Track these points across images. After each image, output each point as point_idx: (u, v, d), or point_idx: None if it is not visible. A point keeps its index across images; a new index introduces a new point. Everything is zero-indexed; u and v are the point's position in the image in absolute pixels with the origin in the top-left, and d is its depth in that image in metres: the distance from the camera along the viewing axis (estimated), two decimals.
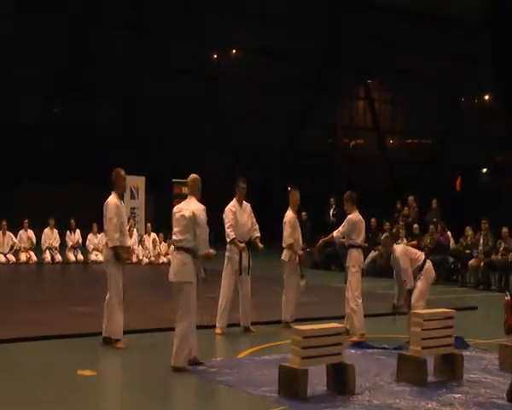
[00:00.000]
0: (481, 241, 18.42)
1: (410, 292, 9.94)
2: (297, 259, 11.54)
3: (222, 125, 35.06)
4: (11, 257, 20.94)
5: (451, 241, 19.78)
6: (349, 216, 10.89)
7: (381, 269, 19.32)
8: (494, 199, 34.12)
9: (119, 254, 9.50)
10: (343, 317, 10.85)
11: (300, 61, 36.58)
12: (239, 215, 11.03)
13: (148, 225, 22.63)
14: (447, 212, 22.04)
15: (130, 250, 9.81)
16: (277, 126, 36.70)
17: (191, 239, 8.41)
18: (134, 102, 32.51)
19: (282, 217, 11.59)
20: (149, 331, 10.53)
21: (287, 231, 11.50)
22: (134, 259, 20.57)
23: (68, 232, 21.81)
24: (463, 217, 21.83)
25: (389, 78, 39.93)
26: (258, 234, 11.23)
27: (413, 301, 9.84)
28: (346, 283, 10.86)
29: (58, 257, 21.59)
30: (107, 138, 31.28)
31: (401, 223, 19.86)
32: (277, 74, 35.70)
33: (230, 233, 10.97)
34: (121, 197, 9.90)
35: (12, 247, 21.05)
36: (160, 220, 22.46)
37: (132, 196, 23.44)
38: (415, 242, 19.60)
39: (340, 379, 7.62)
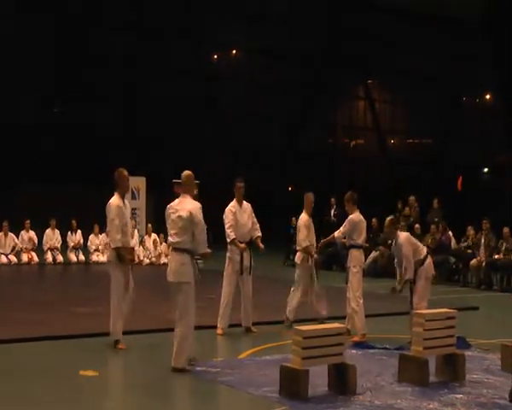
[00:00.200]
0: (483, 241, 18.39)
1: (410, 282, 9.89)
2: (311, 261, 11.50)
3: (222, 125, 35.06)
4: (13, 258, 20.95)
5: (453, 241, 19.74)
6: (350, 216, 10.88)
7: (382, 269, 19.33)
8: (495, 199, 34.11)
9: (122, 255, 9.47)
10: (344, 317, 10.84)
11: (300, 61, 36.60)
12: (239, 215, 11.00)
13: (149, 225, 22.62)
14: (448, 212, 22.01)
15: (133, 251, 9.77)
16: (277, 126, 36.71)
17: (189, 240, 8.34)
18: (134, 102, 32.53)
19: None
20: (150, 332, 10.51)
21: (301, 234, 11.46)
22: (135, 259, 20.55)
23: (69, 233, 21.81)
24: (464, 217, 21.80)
25: (389, 78, 39.95)
26: (259, 234, 11.19)
27: (415, 302, 9.79)
28: (347, 283, 10.85)
29: (59, 258, 21.59)
30: (107, 138, 31.29)
31: (402, 223, 19.81)
32: (277, 74, 35.71)
33: (230, 234, 10.94)
34: (124, 198, 9.82)
35: (14, 248, 21.06)
36: (160, 221, 22.39)
37: (133, 197, 23.41)
38: None
39: (342, 379, 7.61)
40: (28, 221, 21.41)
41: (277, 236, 21.28)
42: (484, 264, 18.19)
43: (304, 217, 11.53)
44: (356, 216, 10.85)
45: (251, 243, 11.13)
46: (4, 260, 20.71)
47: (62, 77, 30.95)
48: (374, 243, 19.89)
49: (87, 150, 30.81)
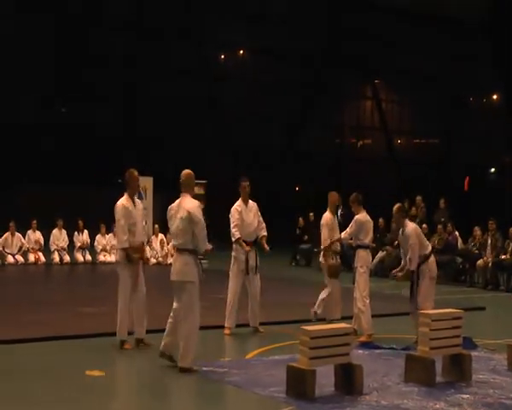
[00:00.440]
0: (489, 241, 18.37)
1: (412, 283, 9.88)
2: (335, 260, 11.47)
3: (222, 125, 35.05)
4: (20, 258, 21.00)
5: (459, 241, 19.72)
6: (356, 216, 10.89)
7: (389, 269, 19.27)
8: (501, 199, 34.16)
9: (130, 255, 9.48)
10: (351, 317, 10.86)
11: (300, 61, 36.58)
12: (245, 214, 10.99)
13: (156, 226, 22.65)
14: (455, 212, 22.00)
15: (142, 248, 9.76)
16: (277, 126, 36.70)
17: (190, 240, 8.35)
18: (134, 102, 32.49)
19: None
20: (156, 332, 10.47)
21: (323, 234, 11.42)
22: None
23: (76, 233, 21.86)
24: (471, 217, 21.79)
25: (396, 78, 39.96)
26: (265, 233, 11.17)
27: (420, 303, 9.76)
28: (353, 283, 10.86)
29: (66, 258, 21.65)
30: (107, 138, 31.26)
31: None
32: (277, 74, 35.69)
33: (236, 233, 10.94)
34: (134, 198, 9.84)
35: (20, 248, 21.11)
36: (165, 221, 22.44)
37: (140, 197, 23.46)
38: None
39: (348, 380, 7.61)
40: (35, 221, 21.48)
41: (281, 235, 21.31)
42: (490, 264, 18.17)
43: (327, 216, 11.49)
44: (362, 216, 10.86)
45: (257, 243, 11.12)
46: (11, 260, 20.80)
47: (62, 77, 30.91)
48: (381, 244, 19.87)
49: (87, 150, 30.79)
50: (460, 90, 39.61)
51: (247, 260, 10.88)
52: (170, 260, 21.07)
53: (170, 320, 8.61)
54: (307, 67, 37.21)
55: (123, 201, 9.66)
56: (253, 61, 37.18)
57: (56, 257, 21.49)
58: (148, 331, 9.73)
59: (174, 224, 8.47)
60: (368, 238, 10.85)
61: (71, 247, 21.95)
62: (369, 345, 10.03)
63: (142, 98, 32.39)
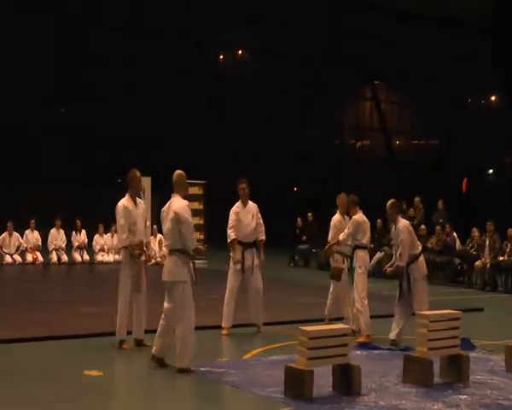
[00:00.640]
0: (487, 242, 18.37)
1: (401, 282, 9.91)
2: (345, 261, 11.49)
3: (222, 125, 35.08)
4: (17, 258, 21.03)
5: (458, 242, 19.71)
6: (353, 217, 10.91)
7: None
8: (500, 200, 34.16)
9: (131, 251, 9.54)
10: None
11: (300, 61, 36.59)
12: (242, 216, 10.99)
13: (154, 226, 22.66)
14: (453, 213, 21.99)
15: (141, 244, 9.77)
16: (277, 126, 36.71)
17: (179, 240, 8.42)
18: (134, 102, 32.50)
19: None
20: (155, 332, 10.49)
21: (330, 234, 11.46)
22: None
23: (74, 233, 21.86)
24: (469, 218, 21.79)
25: (395, 79, 39.98)
26: (263, 237, 11.11)
27: (417, 308, 9.77)
28: (352, 284, 10.86)
29: (64, 257, 21.67)
30: (107, 138, 31.28)
31: None
32: (277, 74, 35.70)
33: (231, 234, 10.97)
34: (135, 198, 9.89)
35: (18, 247, 21.11)
36: None
37: (138, 197, 23.49)
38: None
39: (346, 380, 7.61)
40: (33, 221, 21.49)
41: (280, 236, 21.33)
42: (488, 265, 18.16)
43: (336, 218, 11.51)
44: (359, 217, 10.88)
45: (255, 244, 11.10)
46: (9, 259, 20.82)
47: (62, 77, 30.94)
48: (379, 244, 19.86)
49: (87, 150, 30.80)
50: (460, 90, 39.59)
51: (242, 260, 10.87)
52: None
53: (161, 322, 8.65)
54: (307, 67, 37.24)
55: (124, 201, 9.73)
56: (252, 61, 37.21)
57: (54, 257, 21.51)
58: (146, 332, 9.73)
59: (165, 225, 8.59)
60: (365, 238, 10.87)
61: (69, 247, 21.94)
62: (367, 346, 10.04)
63: (142, 98, 32.40)
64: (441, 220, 20.25)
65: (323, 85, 38.03)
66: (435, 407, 7.21)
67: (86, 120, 30.91)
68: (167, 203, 8.67)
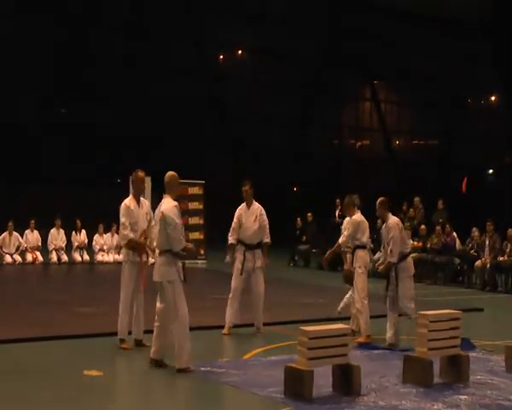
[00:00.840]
0: (487, 242, 18.36)
1: (393, 264, 9.95)
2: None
3: (222, 125, 35.06)
4: (17, 257, 21.01)
5: (457, 242, 19.70)
6: (352, 217, 10.90)
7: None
8: (500, 200, 34.13)
9: (133, 247, 9.60)
10: (349, 318, 10.87)
11: (300, 61, 36.59)
12: (245, 217, 10.96)
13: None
14: (453, 213, 21.98)
15: (143, 242, 9.81)
16: (277, 126, 36.71)
17: (166, 240, 8.47)
18: (134, 102, 32.49)
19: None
20: (152, 332, 10.50)
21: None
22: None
23: (74, 233, 21.84)
24: (469, 218, 21.77)
25: (395, 79, 39.95)
26: (267, 239, 11.01)
27: (403, 306, 9.82)
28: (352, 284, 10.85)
29: (64, 257, 21.65)
30: (107, 138, 31.27)
31: (407, 224, 19.49)
32: (277, 74, 35.70)
33: (230, 238, 11.03)
34: (139, 198, 9.95)
35: (18, 247, 21.10)
36: None
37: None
38: (421, 244, 19.55)
39: (346, 380, 7.61)
40: (33, 221, 21.48)
41: (280, 236, 21.28)
42: (488, 265, 18.14)
43: (346, 220, 11.48)
44: (358, 217, 10.88)
45: (260, 246, 11.01)
46: (9, 259, 20.79)
47: (62, 77, 30.91)
48: (378, 244, 19.82)
49: (87, 150, 30.79)
50: (460, 90, 39.58)
51: (243, 261, 10.86)
52: None
53: (156, 324, 8.67)
54: (307, 67, 37.22)
55: (126, 200, 9.85)
56: (252, 61, 37.20)
57: (54, 257, 21.49)
58: (145, 332, 9.73)
59: (156, 226, 8.68)
60: (365, 237, 10.88)
61: (69, 247, 21.94)
62: (367, 346, 10.05)
63: (142, 98, 32.39)
64: (441, 220, 20.23)
65: (323, 85, 38.02)
66: (435, 407, 7.22)
67: (86, 120, 30.88)
68: (159, 205, 8.72)
